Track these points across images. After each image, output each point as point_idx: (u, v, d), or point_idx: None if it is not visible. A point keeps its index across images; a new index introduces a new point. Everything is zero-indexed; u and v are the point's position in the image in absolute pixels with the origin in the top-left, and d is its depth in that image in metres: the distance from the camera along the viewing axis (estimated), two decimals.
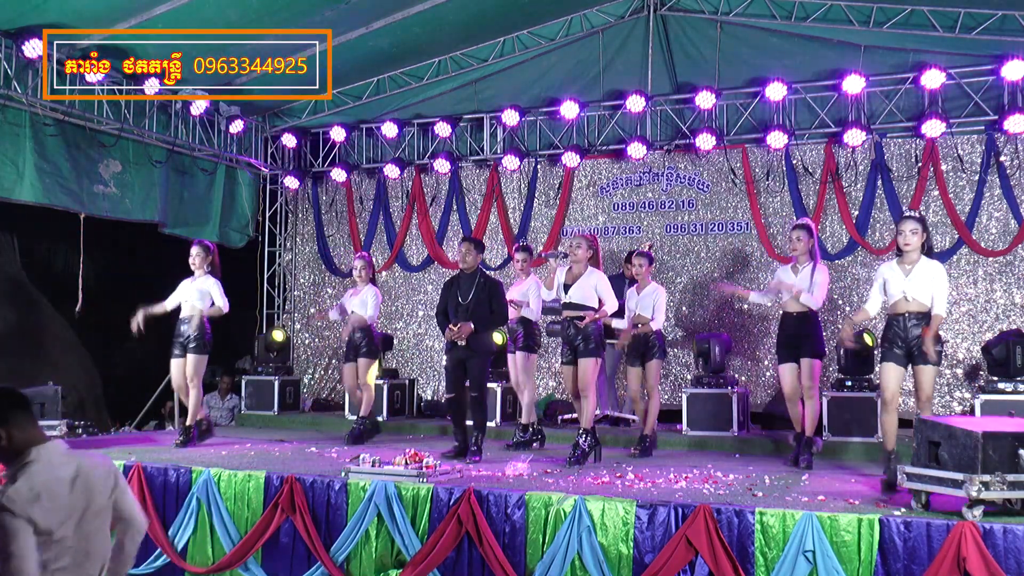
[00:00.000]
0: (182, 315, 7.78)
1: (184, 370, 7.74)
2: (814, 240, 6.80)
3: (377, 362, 8.63)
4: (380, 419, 9.48)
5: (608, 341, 7.64)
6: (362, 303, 8.25)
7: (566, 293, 6.76)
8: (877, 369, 6.82)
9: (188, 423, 7.82)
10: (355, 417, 8.45)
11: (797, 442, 6.89)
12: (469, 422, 7.06)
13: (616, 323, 7.53)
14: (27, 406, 2.82)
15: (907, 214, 5.77)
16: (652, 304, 7.46)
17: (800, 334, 6.69)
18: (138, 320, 7.60)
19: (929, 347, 5.45)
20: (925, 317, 5.55)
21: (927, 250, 5.66)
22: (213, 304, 7.82)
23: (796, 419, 6.86)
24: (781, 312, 6.92)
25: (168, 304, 7.84)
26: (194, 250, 7.88)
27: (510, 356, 8.08)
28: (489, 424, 8.25)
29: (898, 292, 5.60)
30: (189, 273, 7.92)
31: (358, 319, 8.20)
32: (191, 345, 7.70)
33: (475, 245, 7.15)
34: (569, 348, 6.78)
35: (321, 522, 5.68)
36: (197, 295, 7.76)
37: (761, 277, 9.41)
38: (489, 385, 8.82)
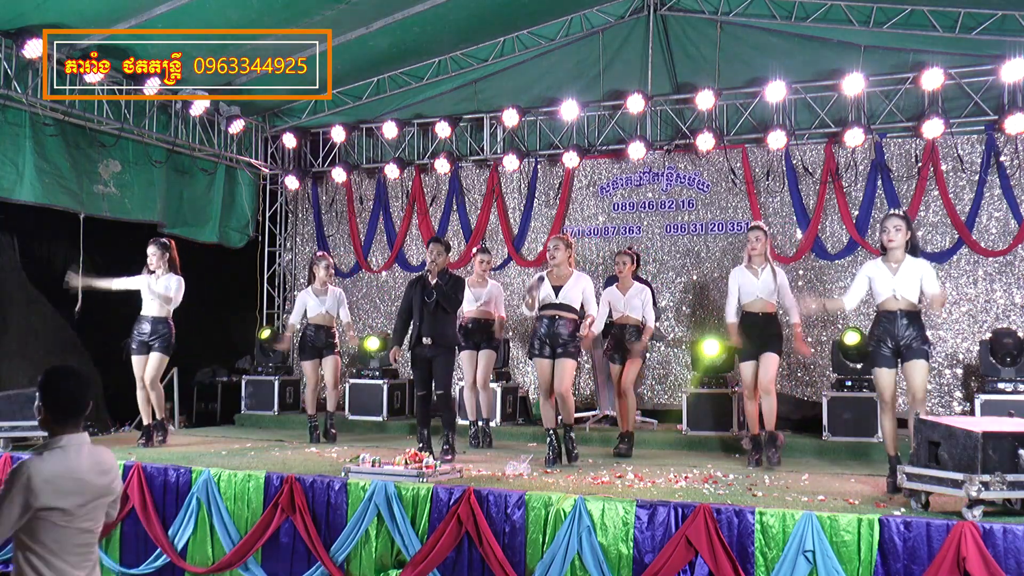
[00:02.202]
0: (145, 313, 7.72)
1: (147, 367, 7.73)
2: (769, 240, 6.91)
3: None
4: (380, 419, 9.53)
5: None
6: (336, 302, 8.50)
7: (555, 294, 6.79)
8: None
9: (160, 417, 7.84)
10: (312, 414, 8.53)
11: (754, 444, 6.84)
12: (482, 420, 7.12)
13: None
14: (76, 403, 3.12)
15: (890, 212, 5.83)
16: (640, 304, 7.49)
17: (770, 333, 6.75)
18: (74, 282, 7.56)
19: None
20: (915, 315, 5.57)
21: (911, 248, 5.67)
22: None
23: (754, 419, 6.79)
24: (743, 312, 6.89)
25: (115, 285, 7.73)
26: (151, 250, 7.74)
27: (467, 354, 8.03)
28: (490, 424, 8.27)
29: (887, 290, 5.59)
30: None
31: (327, 319, 8.42)
32: (157, 345, 7.66)
33: (446, 247, 7.32)
34: (546, 344, 6.79)
35: (321, 522, 5.68)
36: (162, 293, 7.70)
37: None
38: (491, 385, 8.85)
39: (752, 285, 6.79)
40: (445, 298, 7.02)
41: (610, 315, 7.75)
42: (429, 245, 7.26)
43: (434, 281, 7.03)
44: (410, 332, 7.27)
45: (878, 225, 9.06)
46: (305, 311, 8.56)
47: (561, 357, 6.74)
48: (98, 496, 3.08)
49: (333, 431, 8.47)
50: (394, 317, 11.03)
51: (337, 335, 8.60)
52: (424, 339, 7.04)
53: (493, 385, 8.83)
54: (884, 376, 5.60)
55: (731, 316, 6.97)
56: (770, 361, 6.67)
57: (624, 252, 7.79)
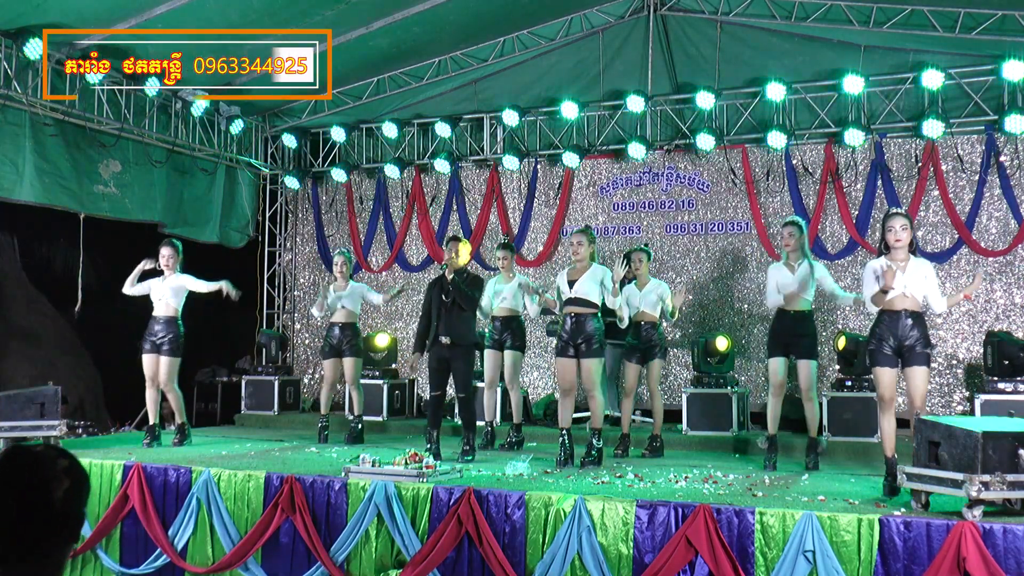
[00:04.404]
0: (156, 314, 7.72)
1: (158, 368, 7.70)
2: (806, 237, 6.80)
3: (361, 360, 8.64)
4: (381, 419, 9.53)
5: (609, 342, 7.64)
6: (354, 299, 8.36)
7: (570, 289, 6.67)
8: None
9: (179, 421, 7.85)
10: (348, 417, 8.47)
11: (770, 444, 6.77)
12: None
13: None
14: None
15: (895, 211, 5.71)
16: (657, 300, 7.47)
17: (798, 333, 6.66)
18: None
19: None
20: (919, 316, 5.51)
21: (912, 248, 5.64)
22: (185, 297, 7.78)
23: (775, 417, 6.71)
24: (776, 309, 6.82)
25: (131, 288, 7.73)
26: (166, 251, 7.73)
27: (491, 353, 7.99)
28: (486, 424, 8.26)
29: (897, 287, 5.54)
30: (189, 273, 7.92)
31: (346, 315, 8.31)
32: (166, 347, 7.64)
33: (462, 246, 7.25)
34: (569, 344, 6.66)
35: (321, 522, 5.68)
36: (171, 293, 7.69)
37: (761, 277, 9.40)
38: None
39: (787, 279, 6.72)
40: (462, 295, 6.89)
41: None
42: (447, 244, 7.20)
43: (451, 277, 6.95)
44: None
45: (879, 225, 9.14)
46: (327, 305, 8.41)
47: (585, 357, 6.60)
48: None
49: (357, 430, 8.31)
50: (393, 317, 11.23)
51: (359, 334, 8.43)
52: (442, 338, 6.91)
53: None
54: (884, 376, 5.52)
55: (774, 300, 6.81)
56: (807, 368, 6.62)
57: (639, 249, 7.76)
